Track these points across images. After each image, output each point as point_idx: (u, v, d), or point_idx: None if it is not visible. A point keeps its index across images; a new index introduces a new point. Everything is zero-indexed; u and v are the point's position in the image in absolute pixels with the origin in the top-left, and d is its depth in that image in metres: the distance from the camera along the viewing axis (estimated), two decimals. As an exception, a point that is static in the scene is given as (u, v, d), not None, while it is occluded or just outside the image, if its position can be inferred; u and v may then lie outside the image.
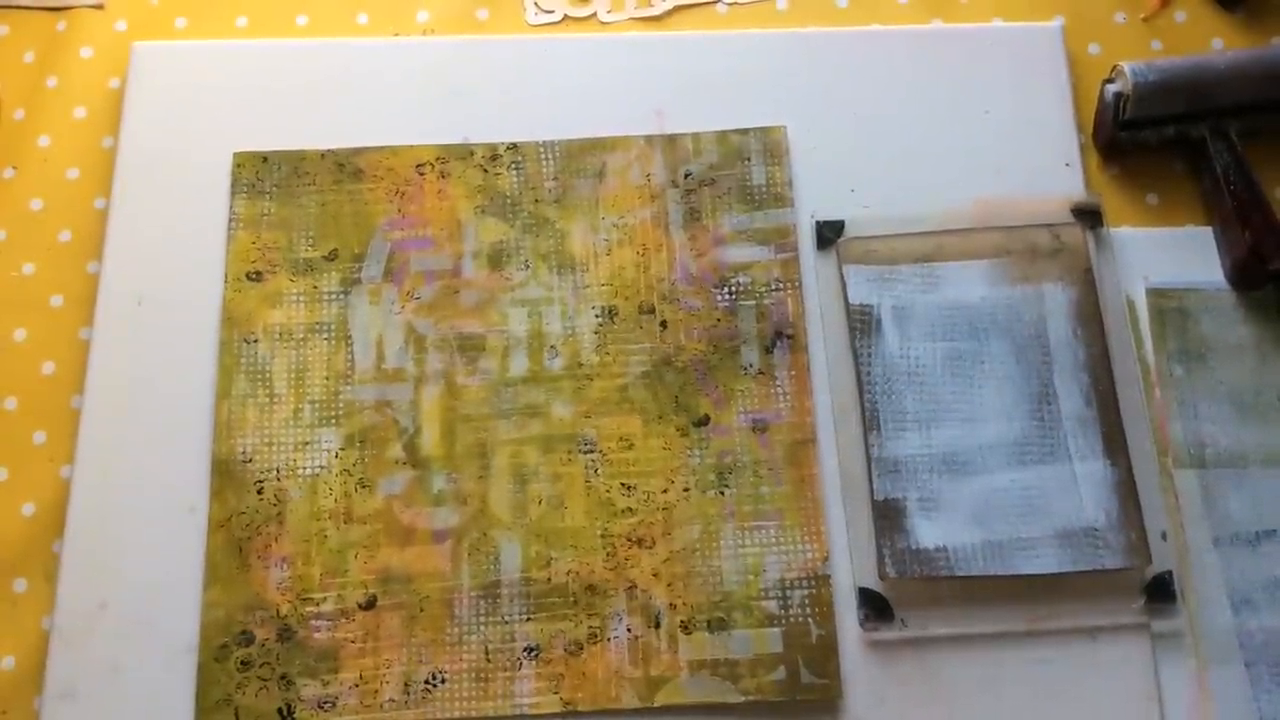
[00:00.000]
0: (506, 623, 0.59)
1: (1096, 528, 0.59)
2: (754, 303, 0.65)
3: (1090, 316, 0.63)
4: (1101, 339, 0.63)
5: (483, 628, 0.59)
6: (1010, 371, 0.62)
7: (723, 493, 0.61)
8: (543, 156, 0.68)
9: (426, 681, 0.58)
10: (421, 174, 0.68)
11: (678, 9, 0.73)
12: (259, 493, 0.61)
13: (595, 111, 0.69)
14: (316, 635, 0.59)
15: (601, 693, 0.58)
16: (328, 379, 0.63)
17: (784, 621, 0.59)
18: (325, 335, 0.64)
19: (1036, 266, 0.65)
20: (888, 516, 0.60)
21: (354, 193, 0.67)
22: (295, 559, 0.60)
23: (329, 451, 0.62)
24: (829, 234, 0.66)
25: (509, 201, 0.67)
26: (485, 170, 0.68)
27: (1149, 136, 0.67)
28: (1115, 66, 0.67)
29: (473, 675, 0.58)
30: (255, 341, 0.64)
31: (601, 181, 0.67)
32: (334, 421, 0.63)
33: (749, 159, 0.68)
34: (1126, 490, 0.60)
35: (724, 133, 0.68)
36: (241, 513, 0.61)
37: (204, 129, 0.69)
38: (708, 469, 0.62)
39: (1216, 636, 0.58)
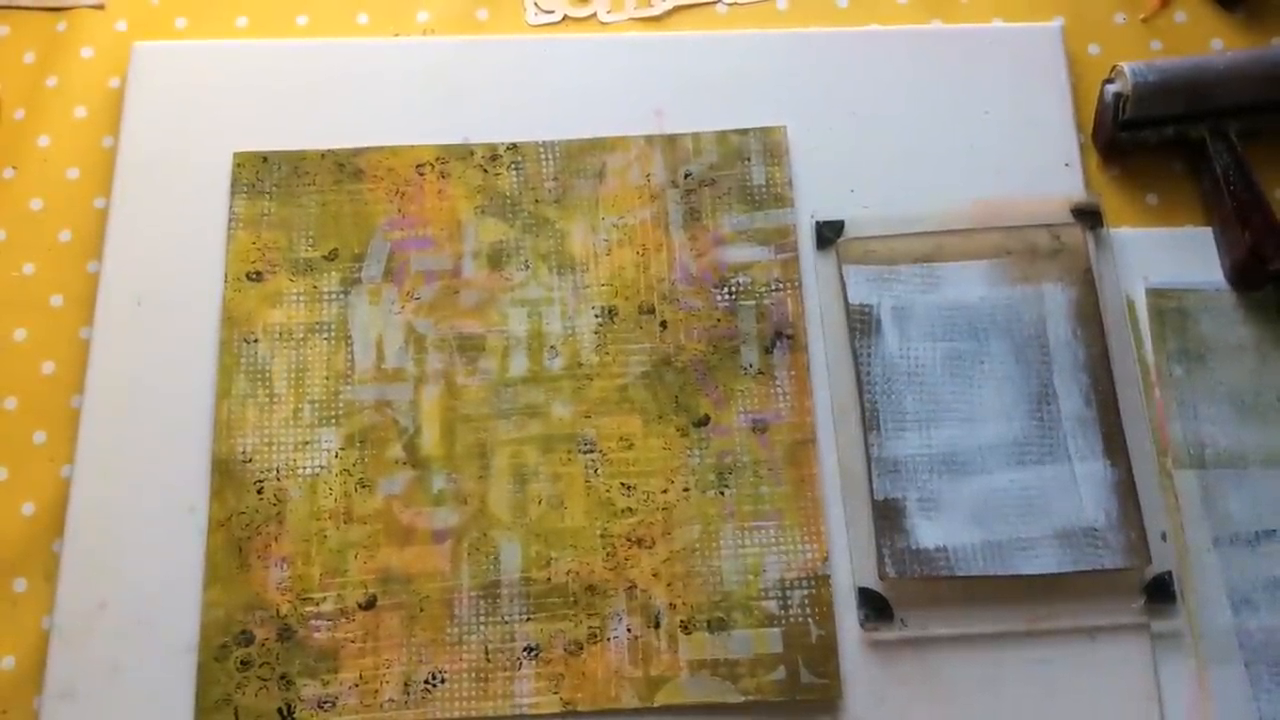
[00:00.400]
0: (506, 623, 0.59)
1: (1096, 528, 0.59)
2: (754, 303, 0.65)
3: (1090, 317, 0.63)
4: (1101, 339, 0.63)
5: (482, 628, 0.59)
6: (1010, 371, 0.62)
7: (723, 493, 0.61)
8: (543, 156, 0.68)
9: (426, 681, 0.58)
10: (421, 174, 0.68)
11: (678, 9, 0.73)
12: (259, 492, 0.61)
13: (595, 111, 0.69)
14: (316, 635, 0.59)
15: (601, 693, 0.58)
16: (328, 379, 0.63)
17: (784, 621, 0.59)
18: (325, 335, 0.64)
19: (1036, 267, 0.65)
20: (887, 516, 0.60)
21: (354, 193, 0.67)
22: (295, 559, 0.60)
23: (329, 451, 0.62)
24: (829, 234, 0.66)
25: (509, 201, 0.67)
26: (485, 170, 0.68)
27: (1149, 137, 0.67)
28: (1115, 67, 0.67)
29: (472, 675, 0.58)
30: (255, 341, 0.64)
31: (601, 181, 0.67)
32: (334, 421, 0.63)
33: (749, 159, 0.68)
34: (1126, 490, 0.60)
35: (724, 133, 0.68)
36: (241, 512, 0.61)
37: (204, 129, 0.69)
38: (708, 469, 0.62)
39: (1216, 636, 0.58)
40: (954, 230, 0.65)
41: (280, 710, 0.58)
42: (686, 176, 0.67)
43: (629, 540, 0.60)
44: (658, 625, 0.59)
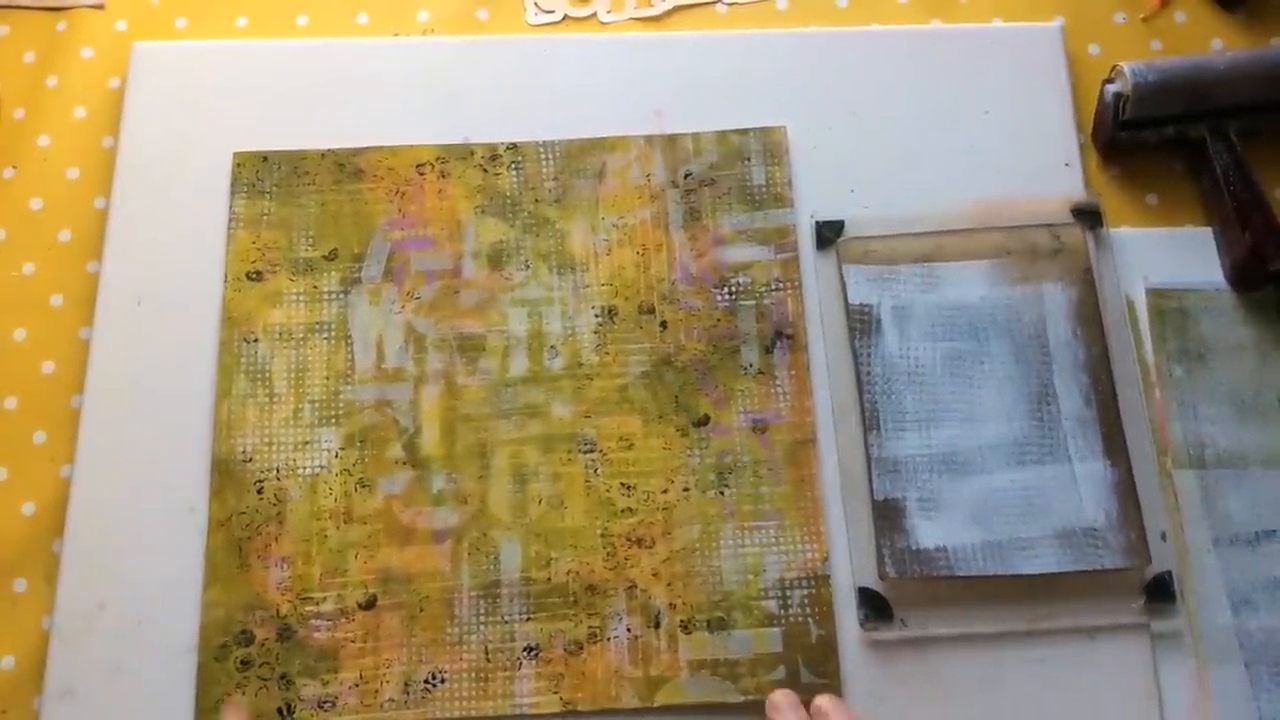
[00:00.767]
0: (506, 622, 0.59)
1: (1096, 528, 0.59)
2: (754, 303, 0.65)
3: (1090, 317, 0.63)
4: (1101, 339, 0.63)
5: (482, 627, 0.59)
6: (1010, 371, 0.62)
7: (723, 493, 0.61)
8: (543, 156, 0.68)
9: (426, 681, 0.58)
10: (422, 174, 0.68)
11: (677, 9, 0.73)
12: (259, 492, 0.61)
13: (595, 111, 0.69)
14: (316, 635, 0.59)
15: (601, 692, 0.58)
16: (328, 379, 0.63)
17: (784, 621, 0.59)
18: (325, 335, 0.64)
19: (1036, 267, 0.65)
20: (887, 516, 0.60)
21: (354, 193, 0.67)
22: (295, 559, 0.60)
23: (329, 451, 0.62)
24: (829, 234, 0.66)
25: (509, 201, 0.67)
26: (485, 170, 0.68)
27: (1149, 137, 0.67)
28: (1115, 67, 0.67)
29: (472, 675, 0.58)
30: (255, 341, 0.64)
31: (601, 181, 0.67)
32: (334, 421, 0.63)
33: (749, 159, 0.68)
34: (1126, 490, 0.60)
35: (724, 133, 0.68)
36: (241, 512, 0.61)
37: (204, 129, 0.69)
38: (708, 469, 0.62)
39: (1216, 636, 0.58)
40: (954, 230, 0.65)
41: (280, 710, 0.58)
42: (687, 176, 0.67)
43: (629, 540, 0.60)
44: (658, 625, 0.59)
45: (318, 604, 0.59)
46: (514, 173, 0.68)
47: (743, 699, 0.57)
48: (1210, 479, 0.61)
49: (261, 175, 0.67)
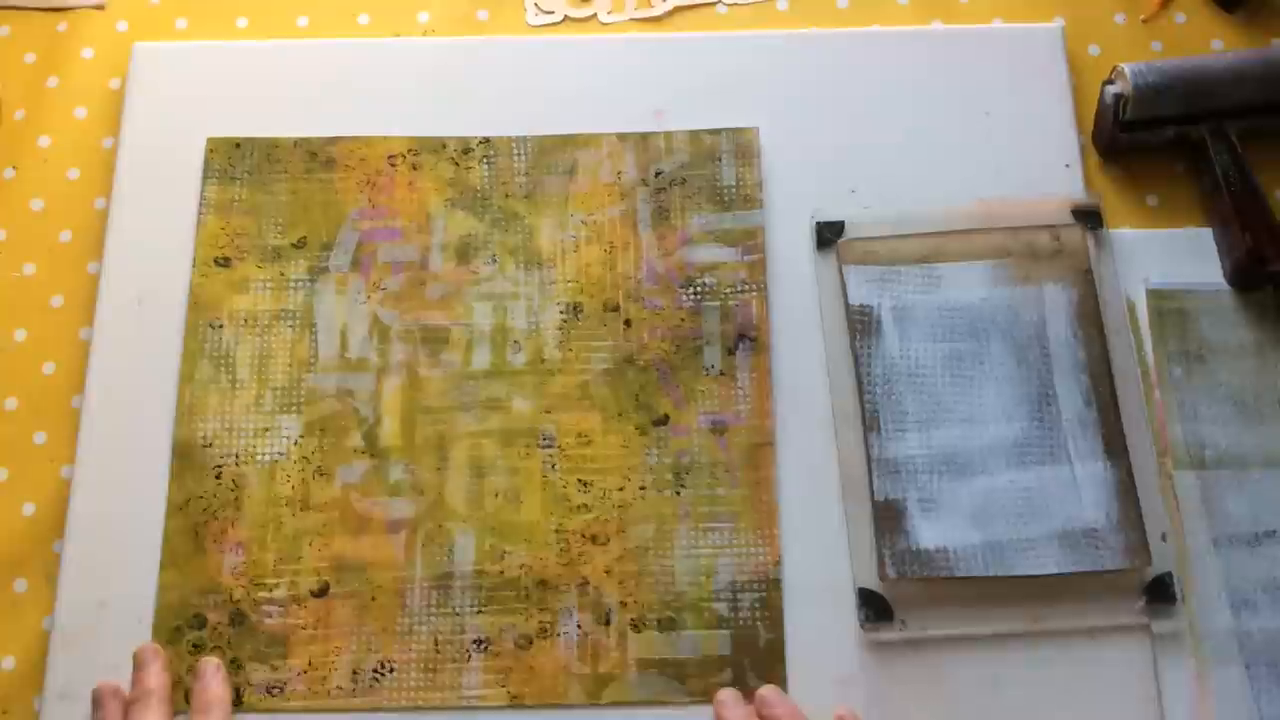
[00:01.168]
0: (457, 614, 0.59)
1: (1096, 529, 0.59)
2: (718, 304, 0.64)
3: (1090, 317, 0.63)
4: (1101, 340, 0.63)
5: (433, 619, 0.59)
6: (1010, 372, 0.62)
7: (678, 493, 0.61)
8: (515, 151, 0.68)
9: (375, 670, 0.58)
10: (393, 165, 0.67)
11: (678, 10, 0.73)
12: (217, 477, 0.61)
13: (595, 112, 0.69)
14: (268, 621, 0.59)
15: (549, 688, 0.58)
16: (290, 366, 0.63)
17: (733, 624, 0.59)
18: (290, 323, 0.64)
19: (1037, 267, 0.65)
20: (888, 517, 0.60)
21: (325, 182, 0.67)
22: (250, 544, 0.60)
23: (288, 438, 0.62)
24: (829, 234, 0.66)
25: (479, 195, 0.67)
26: (457, 164, 0.67)
27: (1149, 137, 0.67)
28: (1115, 67, 0.67)
29: (421, 666, 0.58)
30: (220, 327, 0.64)
31: (572, 178, 0.67)
32: (295, 409, 0.63)
33: (719, 159, 0.67)
34: (1126, 491, 0.60)
35: (696, 132, 0.68)
36: (199, 497, 0.61)
37: (204, 129, 0.68)
38: (665, 468, 0.62)
39: (1216, 637, 0.58)
40: (954, 231, 0.65)
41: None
42: (657, 175, 0.67)
43: (583, 536, 0.60)
44: (608, 623, 0.59)
45: (270, 590, 0.59)
46: (485, 167, 0.67)
47: (689, 700, 0.57)
48: (1210, 479, 0.61)
49: (233, 161, 0.67)
